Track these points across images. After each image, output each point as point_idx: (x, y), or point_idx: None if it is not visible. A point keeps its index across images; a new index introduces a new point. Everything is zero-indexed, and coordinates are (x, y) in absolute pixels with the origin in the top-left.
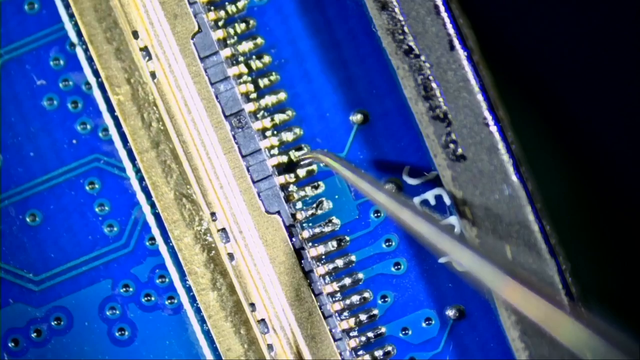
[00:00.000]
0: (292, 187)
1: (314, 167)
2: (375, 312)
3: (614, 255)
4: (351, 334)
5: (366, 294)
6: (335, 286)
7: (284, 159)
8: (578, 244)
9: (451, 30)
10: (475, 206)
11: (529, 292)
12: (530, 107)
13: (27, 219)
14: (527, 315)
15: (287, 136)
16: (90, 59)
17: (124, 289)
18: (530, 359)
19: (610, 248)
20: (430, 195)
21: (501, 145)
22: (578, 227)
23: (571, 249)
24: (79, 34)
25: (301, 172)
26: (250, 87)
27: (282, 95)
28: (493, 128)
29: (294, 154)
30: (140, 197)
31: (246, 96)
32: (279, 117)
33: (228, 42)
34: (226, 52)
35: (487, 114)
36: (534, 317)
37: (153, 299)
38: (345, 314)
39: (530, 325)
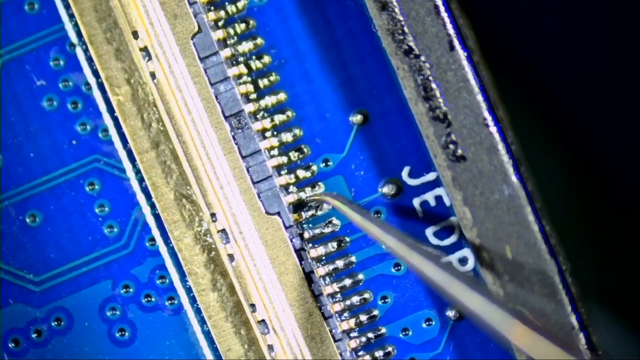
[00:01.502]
0: (292, 188)
1: (325, 209)
2: (376, 312)
3: (614, 255)
4: (351, 335)
5: (366, 295)
6: (335, 287)
7: (293, 197)
8: (578, 244)
9: (451, 31)
10: (475, 207)
11: (540, 336)
12: (530, 107)
13: (27, 220)
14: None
15: (287, 137)
16: (90, 60)
17: (124, 290)
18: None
19: (610, 248)
20: (430, 196)
21: (501, 146)
22: (578, 227)
23: (571, 249)
24: (78, 34)
25: (302, 174)
26: (250, 87)
27: (282, 96)
28: (493, 129)
29: (304, 194)
30: (140, 197)
31: (246, 97)
32: (278, 118)
33: (228, 42)
34: (226, 53)
35: (487, 114)
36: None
37: (153, 299)
38: (346, 314)
39: None
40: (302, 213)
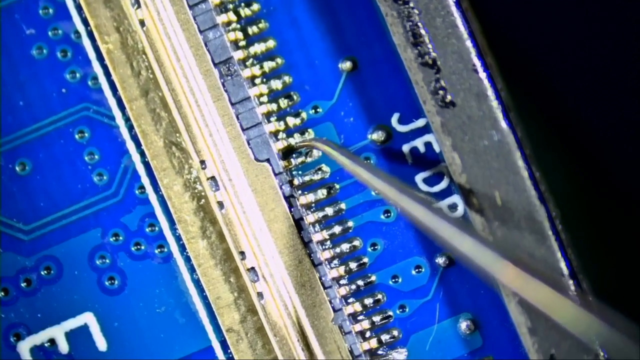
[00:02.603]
0: (281, 135)
1: (314, 155)
2: (365, 260)
3: (618, 254)
4: (341, 282)
5: (356, 242)
6: (325, 234)
7: (283, 144)
8: (586, 243)
9: None
10: (464, 152)
11: (531, 277)
12: (539, 107)
13: (17, 168)
14: (529, 301)
15: (276, 84)
16: (79, 8)
17: (114, 238)
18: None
19: (615, 247)
20: (419, 143)
21: (490, 92)
22: (586, 226)
23: (582, 251)
24: None
25: (291, 121)
26: (239, 34)
27: (271, 43)
28: (482, 74)
29: (294, 140)
30: (130, 145)
31: (235, 44)
32: (268, 65)
33: None
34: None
35: (476, 60)
36: (536, 303)
37: (143, 247)
38: (335, 262)
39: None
40: (292, 160)
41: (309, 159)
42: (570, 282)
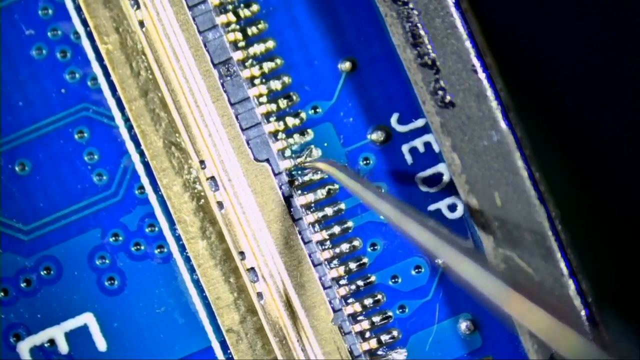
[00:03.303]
0: (281, 135)
1: (318, 176)
2: (365, 260)
3: (618, 254)
4: (341, 282)
5: (355, 242)
6: (324, 234)
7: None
8: (588, 246)
9: None
10: (464, 153)
11: (535, 306)
12: (538, 108)
13: (16, 169)
14: (531, 330)
15: (276, 84)
16: (78, 8)
17: (114, 238)
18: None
19: (615, 247)
20: (419, 143)
21: (489, 92)
22: (585, 226)
23: (582, 251)
24: None
25: (290, 121)
26: (239, 35)
27: (271, 43)
28: (481, 75)
29: (296, 160)
30: (129, 145)
31: (234, 44)
32: (267, 65)
33: None
34: (214, 0)
35: (475, 60)
36: (537, 332)
37: (142, 248)
38: (335, 262)
39: (520, 271)
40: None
41: (308, 159)
42: (570, 282)
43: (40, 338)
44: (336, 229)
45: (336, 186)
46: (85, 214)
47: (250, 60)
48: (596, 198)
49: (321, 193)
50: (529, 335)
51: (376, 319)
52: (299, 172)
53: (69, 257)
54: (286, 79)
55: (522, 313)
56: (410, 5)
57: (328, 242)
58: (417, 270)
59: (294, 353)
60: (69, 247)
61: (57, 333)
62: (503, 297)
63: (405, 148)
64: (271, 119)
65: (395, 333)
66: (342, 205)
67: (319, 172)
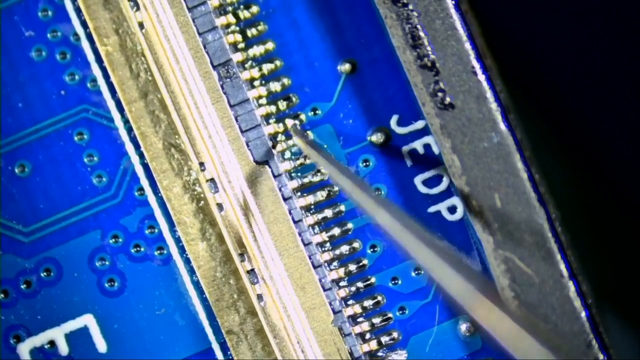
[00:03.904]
0: (280, 137)
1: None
2: (365, 262)
3: (618, 255)
4: (341, 284)
5: (355, 244)
6: (324, 236)
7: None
8: (588, 247)
9: None
10: (464, 154)
11: (499, 311)
12: (538, 109)
13: (16, 170)
14: (494, 336)
15: (275, 86)
16: (78, 10)
17: (113, 240)
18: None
19: (615, 248)
20: (418, 144)
21: (489, 94)
22: (586, 227)
23: (582, 253)
24: None
25: (290, 123)
26: (238, 37)
27: (270, 45)
28: (481, 77)
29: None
30: (129, 147)
31: (234, 46)
32: (267, 67)
33: None
34: (214, 2)
35: (475, 62)
36: (499, 338)
37: (142, 249)
38: (335, 264)
39: (520, 273)
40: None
41: (308, 161)
42: (570, 283)
43: (40, 339)
44: (336, 231)
45: (336, 188)
46: (85, 215)
47: (249, 62)
48: (596, 199)
49: (321, 195)
50: None
51: (376, 320)
52: (298, 174)
53: (69, 258)
54: (286, 81)
55: (486, 318)
56: (410, 7)
57: (328, 244)
58: (417, 272)
59: (294, 354)
60: (69, 249)
61: (57, 334)
62: (470, 300)
63: (405, 150)
64: (271, 121)
65: (395, 334)
66: (342, 207)
67: (318, 175)
